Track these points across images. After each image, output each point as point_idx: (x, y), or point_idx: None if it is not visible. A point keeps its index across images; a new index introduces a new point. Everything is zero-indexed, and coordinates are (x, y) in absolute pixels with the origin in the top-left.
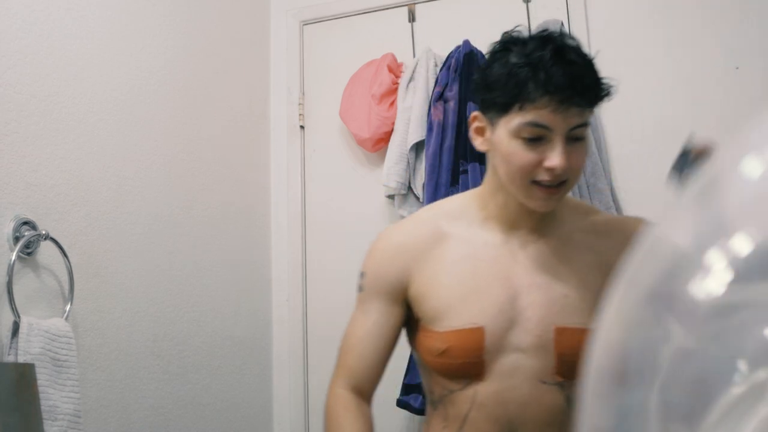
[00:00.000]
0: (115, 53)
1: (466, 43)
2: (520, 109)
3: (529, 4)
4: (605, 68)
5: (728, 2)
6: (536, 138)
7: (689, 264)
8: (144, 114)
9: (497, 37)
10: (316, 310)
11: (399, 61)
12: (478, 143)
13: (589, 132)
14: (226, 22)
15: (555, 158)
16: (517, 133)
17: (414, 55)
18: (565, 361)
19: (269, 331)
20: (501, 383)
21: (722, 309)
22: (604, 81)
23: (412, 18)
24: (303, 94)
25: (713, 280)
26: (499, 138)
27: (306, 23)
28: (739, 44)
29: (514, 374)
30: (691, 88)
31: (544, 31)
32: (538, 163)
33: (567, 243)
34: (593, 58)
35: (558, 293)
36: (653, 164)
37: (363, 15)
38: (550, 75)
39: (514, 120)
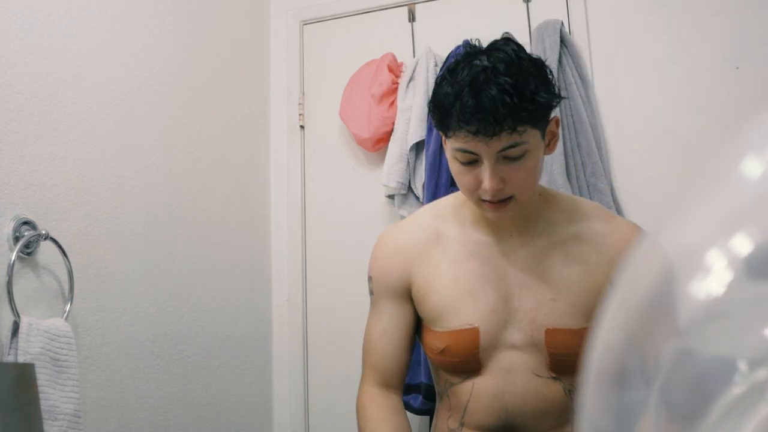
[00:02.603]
0: (115, 53)
1: (467, 43)
2: (451, 135)
3: (529, 4)
4: (605, 68)
5: (728, 2)
6: (470, 161)
7: (689, 264)
8: (144, 114)
9: (497, 37)
10: (316, 310)
11: (399, 60)
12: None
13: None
14: (226, 22)
15: (485, 182)
16: (454, 156)
17: (414, 55)
18: (558, 359)
19: (269, 331)
20: (498, 377)
21: (723, 309)
22: (538, 97)
23: (412, 18)
24: (303, 94)
25: (713, 280)
26: (448, 157)
27: (306, 23)
28: (739, 44)
29: (510, 369)
30: (691, 88)
31: (481, 49)
32: (478, 184)
33: (557, 248)
34: (533, 70)
35: (546, 297)
36: (653, 164)
37: (363, 15)
38: (466, 106)
39: (451, 144)
